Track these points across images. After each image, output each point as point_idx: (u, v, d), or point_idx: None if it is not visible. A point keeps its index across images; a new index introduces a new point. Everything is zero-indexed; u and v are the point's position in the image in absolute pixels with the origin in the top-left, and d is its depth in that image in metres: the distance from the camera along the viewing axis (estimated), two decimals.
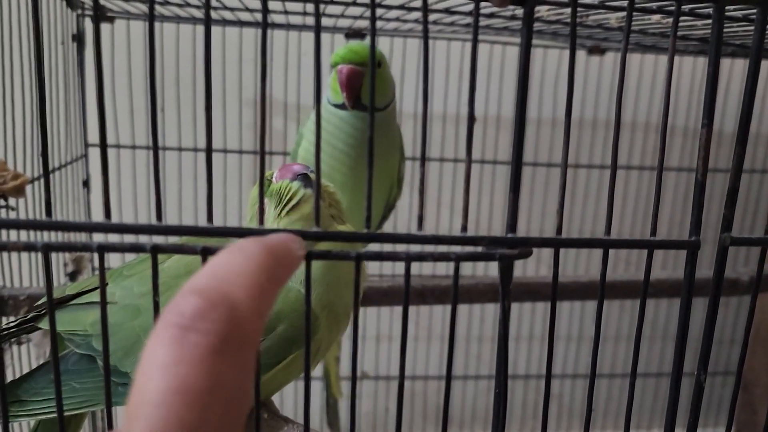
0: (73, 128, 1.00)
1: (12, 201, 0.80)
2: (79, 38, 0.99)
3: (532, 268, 1.23)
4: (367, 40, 0.92)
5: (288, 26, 0.99)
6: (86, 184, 1.05)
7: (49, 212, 0.30)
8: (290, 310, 0.47)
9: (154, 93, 0.32)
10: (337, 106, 0.72)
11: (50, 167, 0.91)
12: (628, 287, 0.91)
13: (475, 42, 0.29)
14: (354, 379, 0.35)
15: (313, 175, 0.50)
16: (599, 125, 1.23)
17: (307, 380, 0.34)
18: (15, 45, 0.79)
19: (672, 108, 1.22)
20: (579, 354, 1.32)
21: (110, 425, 0.36)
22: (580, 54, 1.13)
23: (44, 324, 0.52)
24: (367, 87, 0.67)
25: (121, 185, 1.08)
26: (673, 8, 0.34)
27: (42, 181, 0.93)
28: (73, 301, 0.53)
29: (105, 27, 1.01)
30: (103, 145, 0.30)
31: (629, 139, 1.24)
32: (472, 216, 1.20)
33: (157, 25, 1.03)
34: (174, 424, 0.18)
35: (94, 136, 1.06)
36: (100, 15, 0.96)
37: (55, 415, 0.48)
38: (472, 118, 0.32)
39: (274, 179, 0.51)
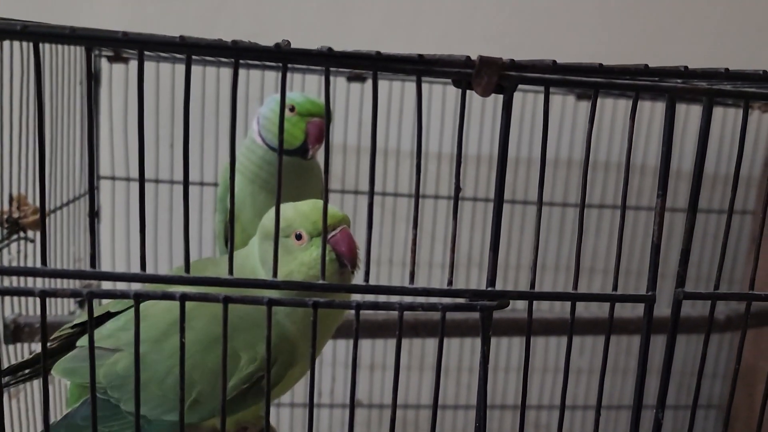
0: (87, 162, 1.05)
1: (30, 233, 0.85)
2: (95, 77, 1.05)
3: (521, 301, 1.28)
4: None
5: (292, 69, 1.05)
6: (97, 214, 1.10)
7: (93, 264, 0.35)
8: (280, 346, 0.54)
9: (187, 154, 0.37)
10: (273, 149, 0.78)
11: (65, 199, 0.97)
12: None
13: (460, 134, 0.34)
14: (352, 407, 0.40)
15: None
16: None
17: (311, 400, 0.39)
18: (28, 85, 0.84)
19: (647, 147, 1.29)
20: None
21: None
22: (570, 99, 1.20)
23: (55, 372, 0.56)
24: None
25: (130, 217, 1.14)
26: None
27: (58, 214, 0.97)
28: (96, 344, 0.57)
29: (120, 67, 1.07)
30: (142, 212, 0.35)
31: (615, 179, 1.30)
32: (464, 251, 1.25)
33: (167, 65, 1.09)
34: None
35: (105, 170, 1.11)
36: (117, 56, 1.02)
37: None
38: (458, 189, 0.37)
39: None
